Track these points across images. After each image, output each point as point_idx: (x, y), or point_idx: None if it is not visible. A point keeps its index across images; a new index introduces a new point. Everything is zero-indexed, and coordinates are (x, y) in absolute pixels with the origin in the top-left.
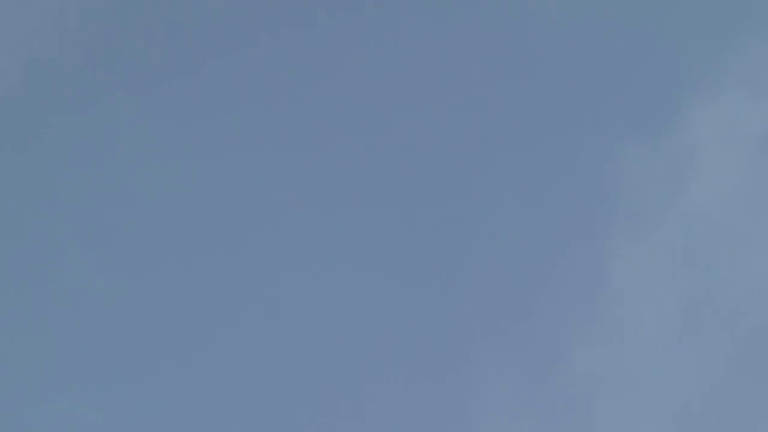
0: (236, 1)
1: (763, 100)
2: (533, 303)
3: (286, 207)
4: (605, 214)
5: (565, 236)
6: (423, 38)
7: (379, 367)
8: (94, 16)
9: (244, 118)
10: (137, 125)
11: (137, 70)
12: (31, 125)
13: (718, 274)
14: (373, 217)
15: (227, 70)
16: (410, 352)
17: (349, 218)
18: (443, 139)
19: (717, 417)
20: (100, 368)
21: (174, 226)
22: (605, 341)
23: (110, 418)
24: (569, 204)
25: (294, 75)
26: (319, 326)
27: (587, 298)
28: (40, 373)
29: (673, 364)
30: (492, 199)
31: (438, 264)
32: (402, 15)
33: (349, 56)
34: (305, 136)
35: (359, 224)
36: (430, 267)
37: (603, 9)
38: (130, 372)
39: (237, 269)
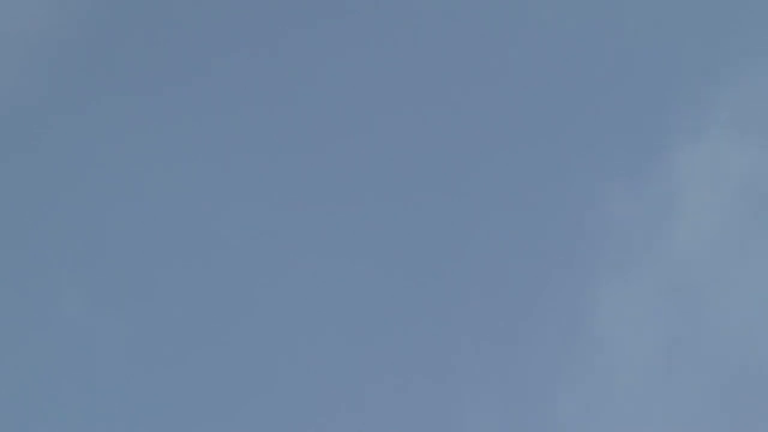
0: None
1: (747, 142)
2: (514, 346)
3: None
4: (588, 257)
5: (547, 278)
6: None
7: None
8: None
9: (239, 161)
10: (131, 160)
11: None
12: (27, 145)
13: (701, 319)
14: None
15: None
16: (383, 397)
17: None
18: (424, 186)
19: None
20: (92, 403)
21: (168, 264)
22: (587, 385)
23: None
24: (552, 246)
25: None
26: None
27: (569, 342)
28: (34, 411)
29: (655, 408)
30: (474, 241)
31: (420, 310)
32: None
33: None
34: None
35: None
36: (411, 318)
37: (586, 50)
38: (125, 411)
39: (234, 311)
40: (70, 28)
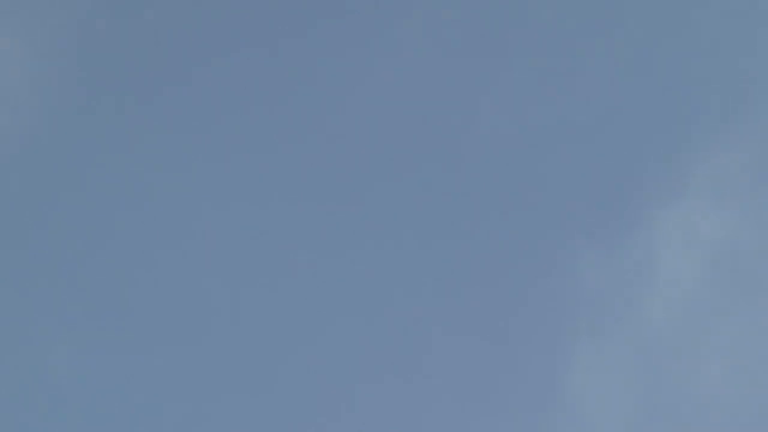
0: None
1: (721, 209)
2: (489, 409)
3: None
4: (562, 322)
5: (520, 345)
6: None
7: None
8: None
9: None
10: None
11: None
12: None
13: (675, 386)
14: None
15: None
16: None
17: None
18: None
19: None
20: None
21: (158, 314)
22: None
23: None
24: (526, 311)
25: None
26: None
27: (542, 407)
28: None
29: None
30: (448, 307)
31: (397, 375)
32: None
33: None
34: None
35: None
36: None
37: (561, 117)
38: None
39: (226, 368)
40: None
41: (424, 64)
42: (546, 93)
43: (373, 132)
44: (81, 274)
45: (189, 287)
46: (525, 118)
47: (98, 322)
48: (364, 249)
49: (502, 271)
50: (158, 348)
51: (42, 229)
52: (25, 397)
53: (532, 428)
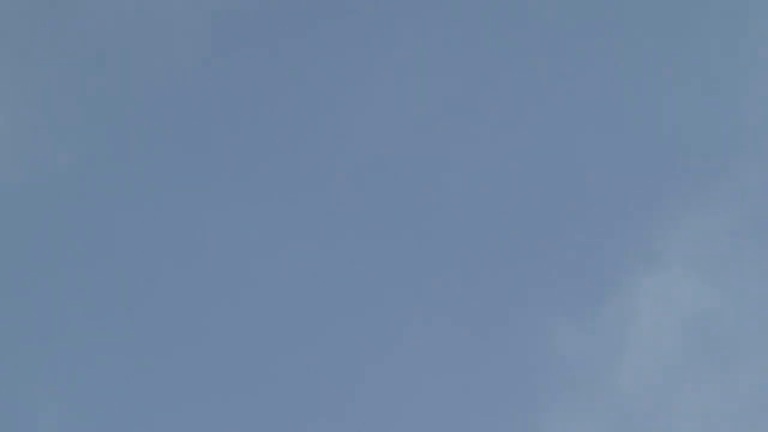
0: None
1: (696, 276)
2: None
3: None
4: (536, 392)
5: (495, 413)
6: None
7: None
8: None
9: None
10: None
11: None
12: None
13: None
14: None
15: None
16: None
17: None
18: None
19: None
20: None
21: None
22: None
23: None
24: (502, 380)
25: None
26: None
27: None
28: None
29: None
30: (428, 373)
31: None
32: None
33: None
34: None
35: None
36: None
37: (538, 184)
38: None
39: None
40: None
41: (397, 119)
42: (521, 162)
43: (342, 196)
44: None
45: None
46: (500, 186)
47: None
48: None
49: (476, 342)
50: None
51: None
52: None
53: None
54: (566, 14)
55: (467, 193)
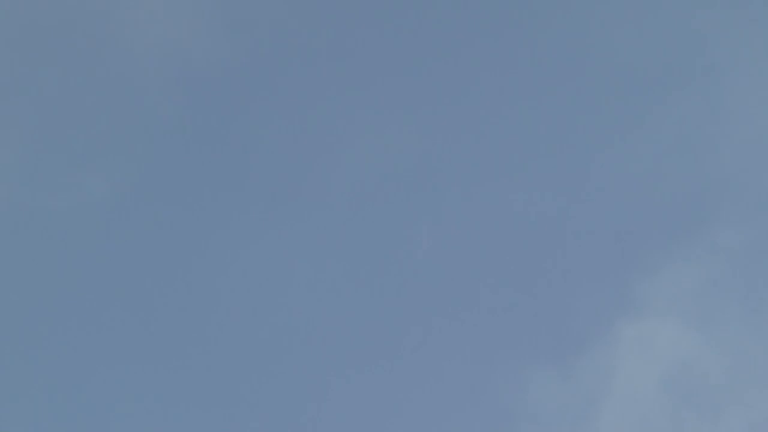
0: None
1: (677, 326)
2: None
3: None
4: None
5: None
6: None
7: None
8: None
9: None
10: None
11: None
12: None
13: None
14: None
15: None
16: None
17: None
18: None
19: None
20: None
21: None
22: None
23: None
24: (482, 428)
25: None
26: None
27: None
28: None
29: None
30: (406, 416)
31: None
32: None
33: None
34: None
35: None
36: None
37: (519, 233)
38: None
39: None
40: None
41: (360, 195)
42: (505, 211)
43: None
44: None
45: None
46: (483, 233)
47: None
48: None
49: (455, 388)
50: None
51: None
52: None
53: None
54: (539, 71)
55: (452, 240)
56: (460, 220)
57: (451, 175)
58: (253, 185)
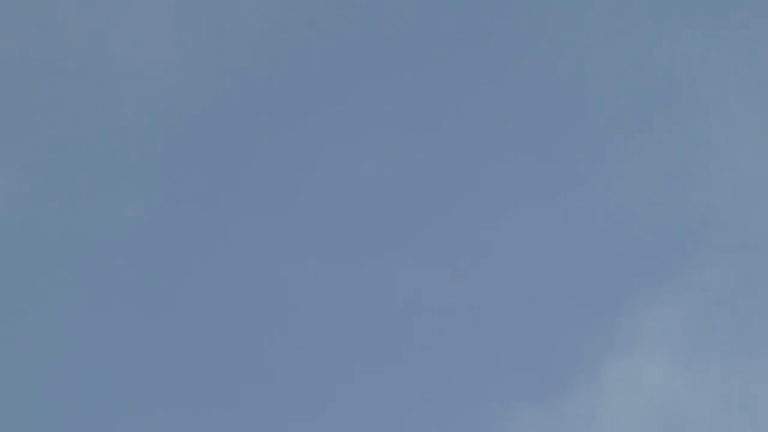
0: None
1: (664, 363)
2: None
3: None
4: None
5: None
6: None
7: None
8: None
9: None
10: None
11: None
12: None
13: None
14: None
15: None
16: None
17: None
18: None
19: None
20: None
21: None
22: None
23: None
24: None
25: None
26: None
27: None
28: None
29: None
30: None
31: None
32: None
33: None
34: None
35: None
36: None
37: (504, 270)
38: None
39: None
40: None
41: (333, 242)
42: (492, 250)
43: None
44: None
45: None
46: (470, 272)
47: None
48: None
49: (442, 424)
50: None
51: None
52: None
53: None
54: (523, 107)
55: (436, 280)
56: (445, 259)
57: (440, 209)
58: (250, 199)
